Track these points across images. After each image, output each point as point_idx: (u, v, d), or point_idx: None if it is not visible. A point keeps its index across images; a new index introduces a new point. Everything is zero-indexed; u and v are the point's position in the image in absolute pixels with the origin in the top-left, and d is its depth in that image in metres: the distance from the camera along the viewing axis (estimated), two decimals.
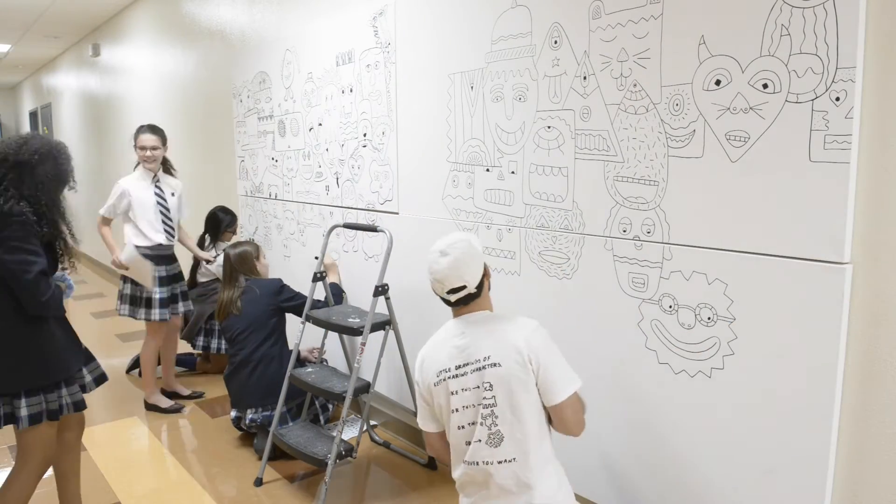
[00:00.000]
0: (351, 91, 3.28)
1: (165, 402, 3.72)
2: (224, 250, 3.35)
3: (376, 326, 2.79)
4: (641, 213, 2.02)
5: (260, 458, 3.09)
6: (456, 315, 1.91)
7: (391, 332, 2.88)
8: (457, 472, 1.88)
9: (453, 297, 1.86)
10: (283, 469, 3.01)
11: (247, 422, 3.12)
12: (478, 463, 1.80)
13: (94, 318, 5.92)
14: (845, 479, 1.68)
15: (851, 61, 1.52)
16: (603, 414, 2.19)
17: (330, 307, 3.13)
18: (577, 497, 2.36)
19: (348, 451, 2.70)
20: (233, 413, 3.23)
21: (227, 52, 4.61)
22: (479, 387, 1.78)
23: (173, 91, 5.73)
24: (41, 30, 7.83)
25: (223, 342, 3.94)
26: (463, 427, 1.82)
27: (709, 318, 1.88)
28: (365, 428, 3.33)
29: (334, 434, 2.72)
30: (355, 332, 2.75)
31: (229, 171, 4.74)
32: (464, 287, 1.83)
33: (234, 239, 4.29)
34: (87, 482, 2.93)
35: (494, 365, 1.77)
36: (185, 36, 5.31)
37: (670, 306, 1.97)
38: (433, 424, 1.95)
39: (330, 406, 3.37)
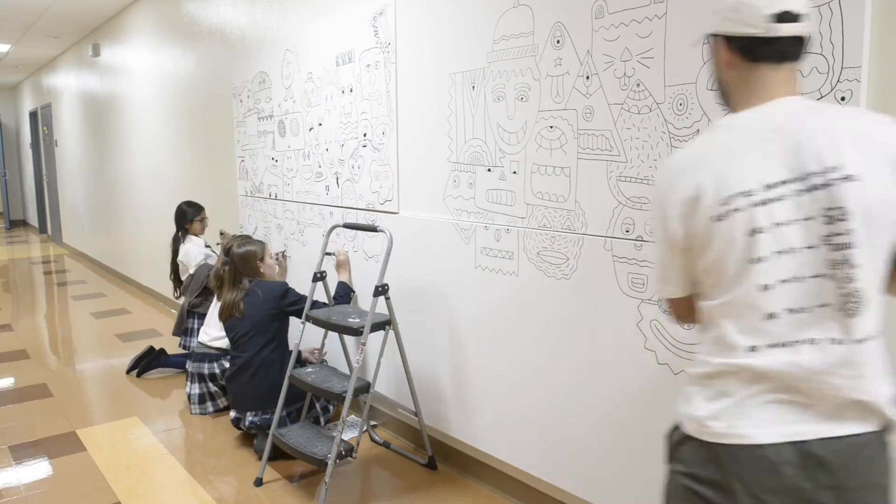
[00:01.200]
0: (351, 91, 3.27)
1: None
2: (231, 250, 3.33)
3: (376, 326, 2.78)
4: (644, 213, 2.01)
5: (260, 458, 3.08)
6: (757, 91, 1.20)
7: (391, 332, 2.87)
8: (736, 363, 1.17)
9: (783, 29, 1.15)
10: (283, 469, 3.00)
11: (246, 423, 3.11)
12: (813, 341, 1.12)
13: (95, 319, 5.91)
14: None
15: (857, 61, 1.52)
16: (602, 414, 2.18)
17: (330, 308, 3.12)
18: (577, 498, 2.35)
19: (348, 451, 2.69)
20: (232, 413, 3.22)
21: (227, 52, 4.61)
22: (816, 218, 1.10)
23: (173, 91, 5.73)
24: (41, 30, 7.82)
25: None
26: (768, 287, 1.13)
27: None
28: (365, 428, 3.32)
29: (334, 434, 2.71)
30: (355, 332, 2.74)
31: (229, 171, 4.73)
32: (794, 20, 1.15)
33: (207, 229, 4.50)
34: (87, 482, 2.93)
35: (848, 178, 1.08)
36: (185, 36, 5.31)
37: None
38: (681, 284, 1.27)
39: (330, 407, 3.36)
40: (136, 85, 6.64)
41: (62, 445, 3.30)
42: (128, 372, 4.32)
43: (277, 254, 3.91)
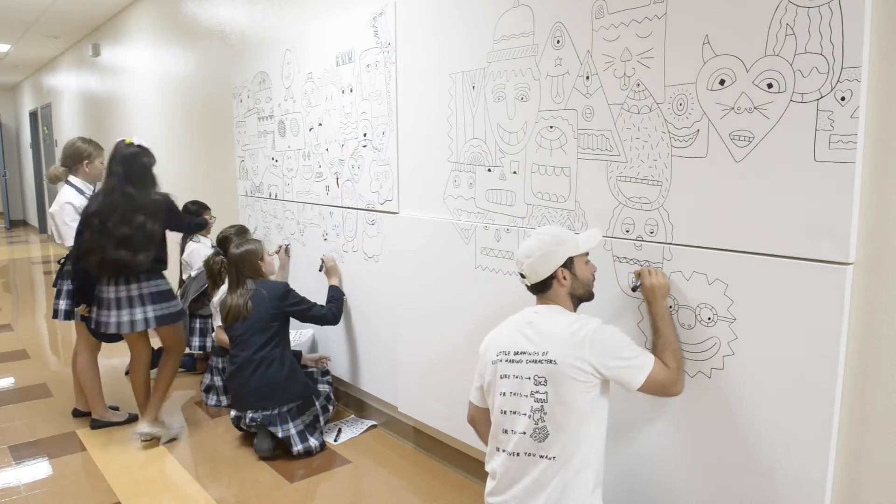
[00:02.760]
0: (351, 91, 3.27)
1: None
2: (228, 251, 3.33)
3: None
4: (645, 214, 2.01)
5: (260, 458, 3.08)
6: (536, 302, 1.98)
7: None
8: (492, 461, 1.91)
9: (520, 280, 1.96)
10: (283, 469, 3.00)
11: (247, 421, 3.11)
12: (519, 454, 1.82)
13: None
14: (845, 479, 1.67)
15: (857, 61, 1.52)
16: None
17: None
18: None
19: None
20: (232, 413, 3.22)
21: (227, 52, 4.61)
22: (530, 378, 1.81)
23: (173, 91, 5.73)
24: (41, 30, 7.82)
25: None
26: (505, 413, 1.85)
27: (709, 319, 1.87)
28: (362, 431, 3.32)
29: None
30: None
31: (229, 171, 4.73)
32: (524, 277, 1.92)
33: (213, 227, 4.31)
34: (87, 482, 2.92)
35: (551, 362, 1.79)
36: (185, 36, 5.31)
37: (670, 306, 1.96)
38: (481, 400, 2.01)
39: (330, 407, 3.37)
40: (136, 85, 6.64)
41: (62, 445, 3.30)
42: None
43: (280, 246, 3.92)
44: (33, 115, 12.30)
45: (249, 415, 3.10)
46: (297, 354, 3.58)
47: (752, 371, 1.78)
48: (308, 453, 3.09)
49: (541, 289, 1.93)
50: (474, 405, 2.05)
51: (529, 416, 1.80)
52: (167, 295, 3.27)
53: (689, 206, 1.89)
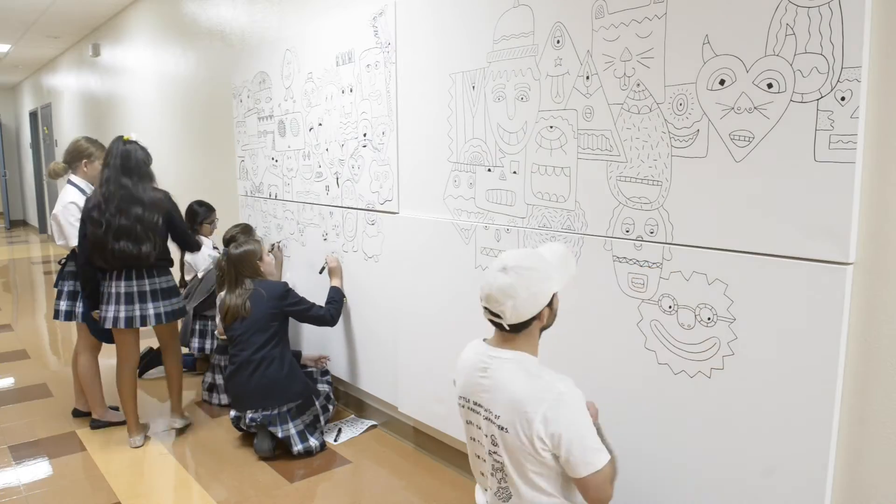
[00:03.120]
0: (351, 91, 3.27)
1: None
2: (227, 250, 3.34)
3: None
4: (645, 214, 2.01)
5: (260, 458, 3.08)
6: (495, 335, 1.72)
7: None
8: (477, 491, 1.86)
9: (487, 315, 1.68)
10: (283, 469, 3.00)
11: (246, 421, 3.11)
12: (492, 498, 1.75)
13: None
14: (845, 479, 1.67)
15: (857, 61, 1.52)
16: (601, 415, 2.18)
17: None
18: None
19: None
20: (232, 413, 3.23)
21: (227, 52, 4.61)
22: (488, 437, 1.68)
23: (173, 91, 5.73)
24: (41, 30, 7.82)
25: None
26: (478, 457, 1.78)
27: (709, 319, 1.87)
28: (362, 431, 3.32)
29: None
30: None
31: (229, 171, 4.73)
32: (499, 317, 1.64)
33: (217, 230, 4.30)
34: (87, 482, 2.93)
35: (502, 428, 1.62)
36: (185, 36, 5.31)
37: (670, 307, 1.96)
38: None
39: (330, 407, 3.37)
40: (136, 85, 6.64)
41: (62, 445, 3.30)
42: None
43: (273, 245, 3.92)
44: (33, 115, 12.30)
45: (249, 415, 3.10)
46: (297, 354, 3.59)
47: (752, 371, 1.78)
48: (308, 453, 3.09)
49: (516, 330, 1.66)
50: None
51: (492, 475, 1.70)
52: (174, 291, 3.33)
53: (689, 206, 1.89)
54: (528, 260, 1.65)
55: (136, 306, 3.17)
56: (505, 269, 1.62)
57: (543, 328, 1.74)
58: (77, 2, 6.54)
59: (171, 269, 3.34)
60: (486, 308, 1.66)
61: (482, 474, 1.78)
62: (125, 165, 3.10)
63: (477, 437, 1.73)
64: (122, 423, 3.50)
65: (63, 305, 3.46)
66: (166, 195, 3.22)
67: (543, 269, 1.65)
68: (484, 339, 1.77)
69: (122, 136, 3.19)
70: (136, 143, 3.19)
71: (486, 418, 1.66)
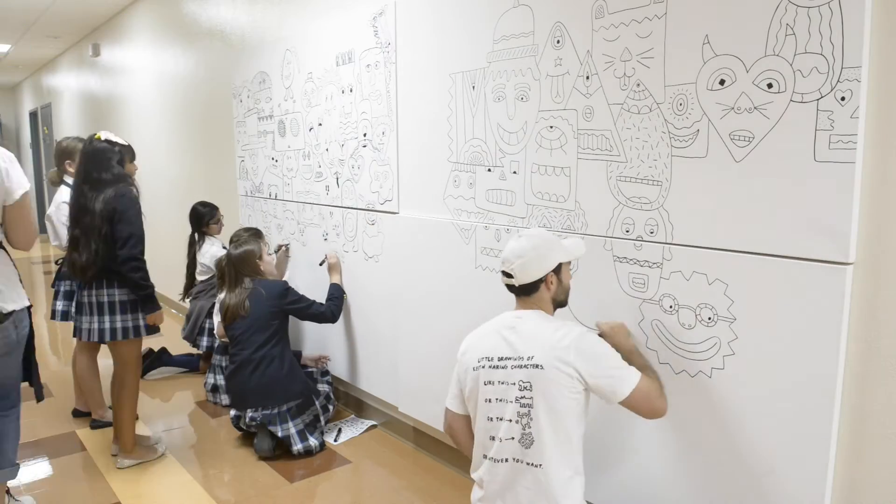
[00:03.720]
0: (351, 91, 3.27)
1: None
2: (227, 250, 3.34)
3: None
4: (645, 214, 2.01)
5: (260, 458, 3.08)
6: (516, 304, 1.93)
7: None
8: (479, 469, 1.88)
9: (503, 279, 1.90)
10: (283, 469, 3.00)
11: (246, 420, 3.11)
12: (506, 460, 1.79)
13: None
14: (845, 479, 1.67)
15: (857, 61, 1.52)
16: (601, 415, 2.18)
17: None
18: None
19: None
20: (232, 412, 3.23)
21: (227, 52, 4.61)
22: (516, 384, 1.77)
23: (173, 91, 5.73)
24: (41, 30, 7.82)
25: None
26: (492, 419, 1.81)
27: (709, 319, 1.87)
28: (362, 431, 3.32)
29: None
30: None
31: (229, 171, 4.73)
32: (511, 277, 1.86)
33: (223, 230, 4.27)
34: (87, 482, 2.92)
35: (537, 366, 1.75)
36: (185, 36, 5.31)
37: (671, 306, 1.96)
38: (460, 406, 1.96)
39: (330, 407, 3.37)
40: (136, 85, 6.64)
41: (62, 445, 3.30)
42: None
43: (280, 246, 3.89)
44: (33, 115, 12.29)
45: (249, 414, 3.10)
46: (298, 354, 3.59)
47: (752, 371, 1.78)
48: (308, 453, 3.09)
49: (526, 291, 1.88)
50: (452, 412, 1.99)
51: (516, 422, 1.77)
52: (128, 306, 2.96)
53: (689, 206, 1.89)
54: (541, 231, 1.95)
55: (95, 318, 2.94)
56: (521, 235, 1.89)
57: (554, 300, 1.93)
58: (77, 2, 6.54)
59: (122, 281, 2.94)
60: (502, 273, 1.89)
61: (493, 438, 1.81)
62: (86, 169, 2.87)
63: (498, 393, 1.80)
64: None
65: (59, 305, 3.45)
66: (119, 195, 2.83)
67: (552, 240, 1.91)
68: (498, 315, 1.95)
69: (92, 136, 2.96)
70: (105, 142, 2.90)
71: (517, 365, 1.78)
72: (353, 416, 3.57)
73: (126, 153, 2.97)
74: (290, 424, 3.08)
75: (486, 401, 1.82)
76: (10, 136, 13.89)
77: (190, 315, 4.19)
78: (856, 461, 1.65)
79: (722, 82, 1.77)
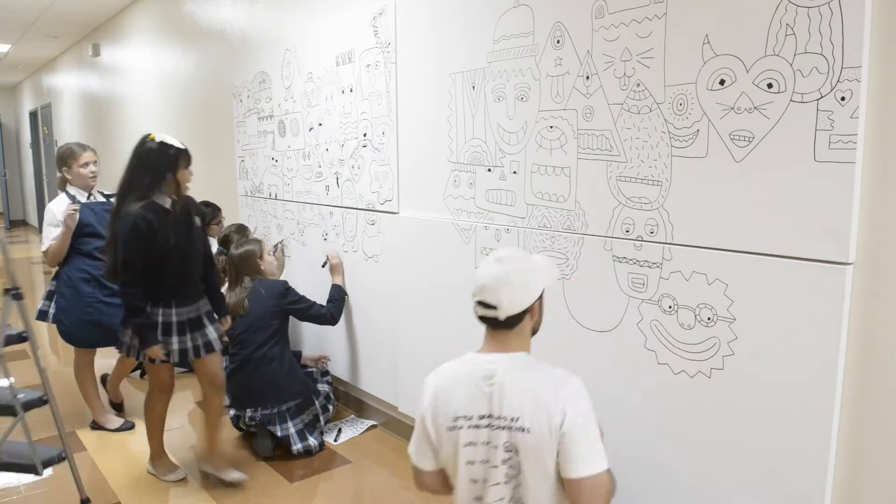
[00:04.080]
0: (351, 91, 3.27)
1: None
2: (229, 251, 3.34)
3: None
4: (645, 214, 2.01)
5: (259, 459, 3.08)
6: (487, 341, 1.64)
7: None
8: None
9: (480, 311, 1.61)
10: (283, 469, 3.00)
11: (246, 420, 3.12)
12: None
13: None
14: (845, 479, 1.67)
15: (857, 61, 1.52)
16: (601, 415, 2.18)
17: None
18: None
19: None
20: (232, 412, 3.22)
21: (227, 52, 4.61)
22: (499, 447, 1.53)
23: (173, 91, 5.73)
24: (41, 30, 7.82)
25: None
26: (476, 482, 1.58)
27: (709, 319, 1.87)
28: (362, 431, 3.32)
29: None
30: None
31: (229, 171, 4.73)
32: (494, 308, 1.57)
33: (223, 230, 4.25)
34: (87, 482, 2.92)
35: (522, 430, 1.50)
36: (185, 36, 5.31)
37: (670, 307, 1.96)
38: (430, 463, 1.66)
39: (330, 406, 3.37)
40: (136, 85, 6.64)
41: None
42: (128, 374, 4.31)
43: (276, 245, 3.90)
44: (33, 115, 12.30)
45: (249, 413, 3.10)
46: (298, 354, 3.59)
47: (752, 371, 1.78)
48: (308, 452, 3.09)
49: (510, 324, 1.59)
50: (424, 471, 1.68)
51: (505, 484, 1.55)
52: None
53: (689, 206, 1.89)
54: (520, 254, 1.66)
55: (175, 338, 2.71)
56: (499, 259, 1.60)
57: (533, 330, 1.68)
58: (77, 2, 6.54)
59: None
60: (479, 303, 1.60)
61: (479, 499, 1.59)
62: (130, 172, 2.66)
63: (482, 455, 1.56)
64: (114, 430, 3.48)
65: (43, 305, 3.43)
66: (124, 215, 2.58)
67: (534, 262, 1.66)
68: (464, 356, 1.66)
69: (146, 136, 2.68)
70: (158, 143, 2.62)
71: (500, 427, 1.53)
72: (353, 416, 3.57)
73: (181, 159, 2.64)
74: (290, 424, 3.08)
75: (468, 463, 1.57)
76: (10, 137, 13.90)
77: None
78: (856, 461, 1.65)
79: (722, 82, 1.77)
